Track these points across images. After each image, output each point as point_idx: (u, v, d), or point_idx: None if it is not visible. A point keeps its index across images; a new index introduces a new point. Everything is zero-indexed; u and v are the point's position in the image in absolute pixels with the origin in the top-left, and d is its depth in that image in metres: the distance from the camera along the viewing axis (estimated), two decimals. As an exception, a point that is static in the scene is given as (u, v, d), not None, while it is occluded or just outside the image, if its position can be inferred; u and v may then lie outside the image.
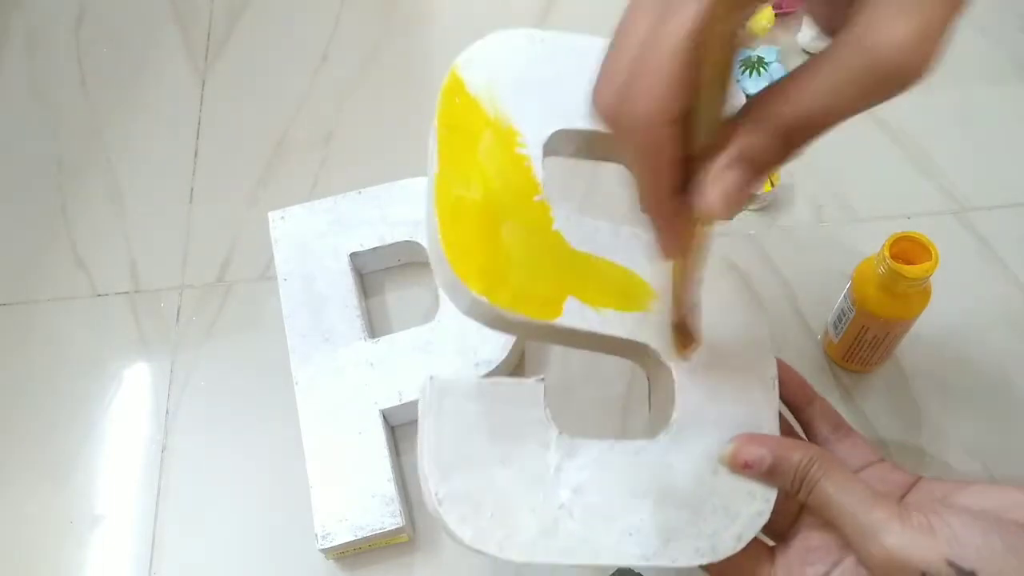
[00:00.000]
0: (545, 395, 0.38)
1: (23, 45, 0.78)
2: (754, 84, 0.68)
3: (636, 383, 0.56)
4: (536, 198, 0.38)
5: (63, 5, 0.80)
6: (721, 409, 0.38)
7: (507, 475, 0.36)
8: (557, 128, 0.40)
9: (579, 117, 0.40)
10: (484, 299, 0.36)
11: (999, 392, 0.55)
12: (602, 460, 0.37)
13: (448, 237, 0.36)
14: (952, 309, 0.56)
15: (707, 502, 0.37)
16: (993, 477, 0.52)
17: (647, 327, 0.38)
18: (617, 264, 0.39)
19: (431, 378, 0.37)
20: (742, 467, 0.37)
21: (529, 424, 0.37)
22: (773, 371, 0.40)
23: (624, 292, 0.39)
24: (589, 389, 0.56)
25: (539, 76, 0.41)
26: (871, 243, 0.61)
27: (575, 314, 0.37)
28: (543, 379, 0.38)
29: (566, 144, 0.41)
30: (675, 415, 0.38)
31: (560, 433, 0.37)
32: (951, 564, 0.31)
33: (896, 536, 0.32)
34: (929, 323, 0.51)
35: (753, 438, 0.37)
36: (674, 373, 0.38)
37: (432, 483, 0.36)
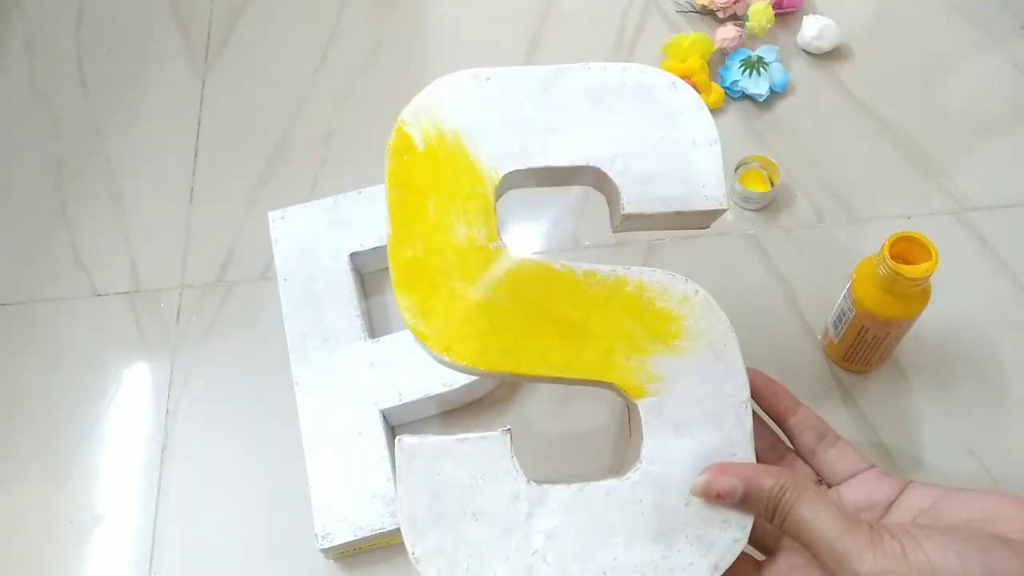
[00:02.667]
0: (512, 444, 0.38)
1: (23, 45, 0.78)
2: (754, 84, 0.68)
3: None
4: (492, 245, 0.39)
5: (63, 5, 0.80)
6: (691, 440, 0.38)
7: (480, 528, 0.37)
8: (510, 170, 0.40)
9: (533, 154, 0.40)
10: (446, 358, 0.37)
11: (999, 392, 0.55)
12: (572, 504, 0.38)
13: (404, 301, 0.38)
14: (952, 309, 0.56)
15: (680, 534, 0.37)
16: (992, 477, 0.52)
17: (611, 366, 0.39)
18: (577, 302, 0.39)
19: (399, 441, 0.38)
20: (715, 498, 0.37)
21: (497, 475, 0.38)
22: (745, 394, 0.39)
23: (586, 332, 0.39)
24: (586, 401, 0.56)
25: (489, 116, 0.41)
26: (871, 243, 0.61)
27: (537, 361, 0.38)
28: (508, 429, 0.39)
29: (526, 179, 0.42)
30: (644, 451, 0.38)
31: (529, 481, 0.38)
32: None
33: (868, 565, 0.32)
34: (929, 323, 0.51)
35: (724, 467, 0.37)
36: (641, 411, 0.38)
37: (409, 542, 0.37)
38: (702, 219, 0.42)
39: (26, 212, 0.68)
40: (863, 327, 0.51)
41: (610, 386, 0.39)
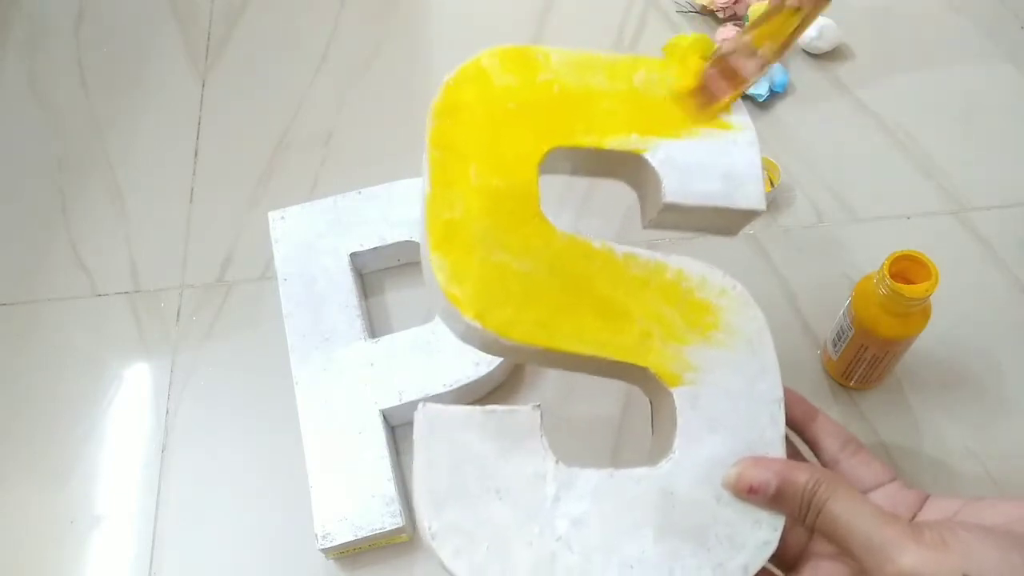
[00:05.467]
0: (542, 422, 0.37)
1: (23, 45, 0.78)
2: (754, 84, 0.67)
3: (634, 394, 0.56)
4: (532, 218, 0.38)
5: (63, 5, 0.80)
6: (725, 434, 0.37)
7: (502, 507, 0.35)
8: (556, 146, 0.40)
9: (579, 134, 0.40)
10: (477, 324, 0.35)
11: (1000, 394, 0.55)
12: (601, 490, 0.36)
13: (439, 261, 0.36)
14: (952, 310, 0.56)
15: (711, 532, 0.36)
16: (996, 484, 0.52)
17: (647, 350, 0.37)
18: (616, 283, 0.38)
19: (422, 406, 0.37)
20: (747, 492, 0.36)
21: (525, 454, 0.36)
22: (779, 393, 0.38)
23: (624, 313, 0.38)
24: (587, 400, 0.56)
25: (539, 92, 0.40)
26: (871, 243, 0.61)
27: (572, 338, 0.37)
28: (539, 406, 0.37)
29: (563, 162, 0.41)
30: (677, 441, 0.37)
31: (558, 462, 0.36)
32: None
33: (911, 555, 0.31)
34: (929, 324, 0.51)
35: (758, 461, 0.36)
36: (675, 398, 0.37)
37: (425, 516, 0.35)
38: (737, 220, 0.42)
39: (26, 212, 0.68)
40: (862, 346, 0.51)
41: (644, 372, 0.38)
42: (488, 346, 0.37)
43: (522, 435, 0.37)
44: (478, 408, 0.37)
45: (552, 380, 0.57)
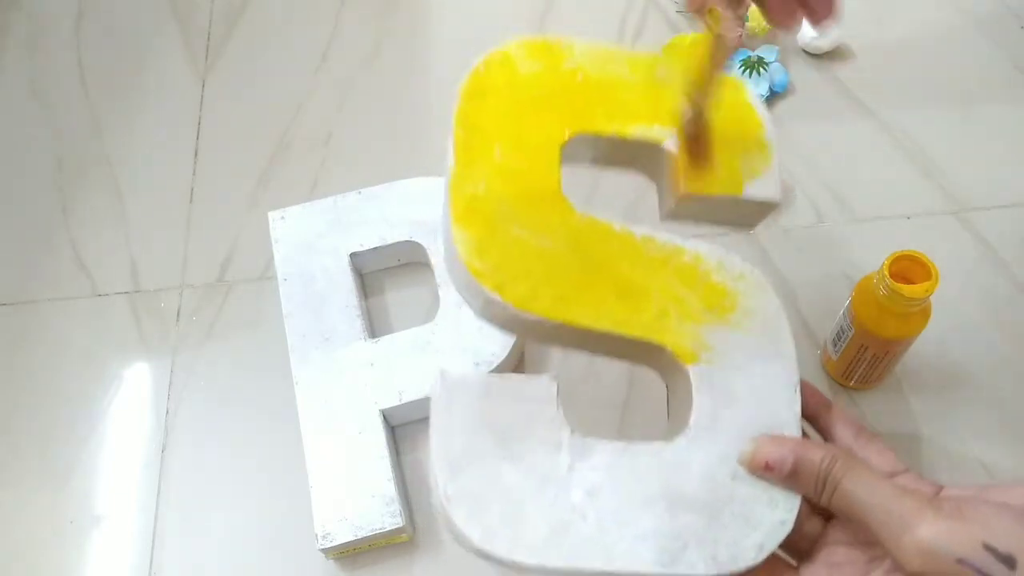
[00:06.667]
0: (558, 393, 0.37)
1: (23, 45, 0.78)
2: (754, 84, 0.68)
3: (636, 384, 0.56)
4: (553, 197, 0.39)
5: (63, 5, 0.80)
6: (741, 412, 0.37)
7: (518, 474, 0.36)
8: (579, 132, 0.40)
9: (601, 121, 0.41)
10: (497, 296, 0.36)
11: (1000, 394, 0.55)
12: (617, 462, 0.36)
13: (462, 234, 0.36)
14: (952, 310, 0.56)
15: (726, 508, 0.36)
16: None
17: (664, 328, 0.38)
18: (635, 262, 0.39)
19: (442, 373, 0.37)
20: (763, 469, 0.36)
21: (541, 422, 0.37)
22: (795, 377, 0.39)
23: (642, 292, 0.38)
24: (589, 389, 0.56)
25: (564, 80, 0.41)
26: (871, 243, 0.61)
27: (590, 313, 0.37)
28: (556, 376, 0.38)
29: (585, 151, 0.42)
30: (693, 418, 0.37)
31: (573, 432, 0.37)
32: (988, 548, 0.30)
33: (929, 525, 0.31)
34: (929, 325, 0.51)
35: (774, 439, 0.37)
36: (691, 376, 0.38)
37: (441, 480, 0.35)
38: (753, 212, 0.42)
39: (26, 212, 0.68)
40: (862, 346, 0.51)
41: (661, 350, 0.38)
42: (506, 321, 0.37)
43: (539, 404, 0.37)
44: (496, 376, 0.38)
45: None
